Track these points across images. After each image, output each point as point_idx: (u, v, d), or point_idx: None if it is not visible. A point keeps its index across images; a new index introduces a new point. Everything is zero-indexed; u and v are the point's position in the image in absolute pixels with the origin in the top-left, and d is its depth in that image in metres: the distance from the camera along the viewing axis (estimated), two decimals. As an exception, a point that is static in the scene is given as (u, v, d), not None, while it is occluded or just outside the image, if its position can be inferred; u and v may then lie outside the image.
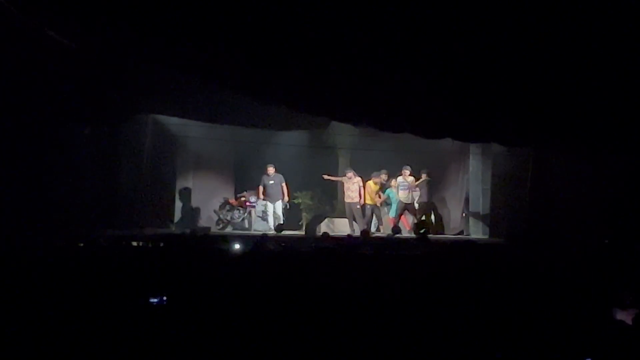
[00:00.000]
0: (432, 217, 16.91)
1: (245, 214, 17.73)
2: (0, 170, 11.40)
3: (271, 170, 16.91)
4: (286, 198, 17.09)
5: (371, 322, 4.88)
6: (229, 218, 17.71)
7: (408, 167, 16.62)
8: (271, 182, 16.84)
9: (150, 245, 10.52)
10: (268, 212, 17.07)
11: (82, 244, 9.73)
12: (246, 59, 9.98)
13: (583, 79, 9.26)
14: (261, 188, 17.04)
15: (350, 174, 16.74)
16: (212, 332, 4.74)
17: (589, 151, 12.21)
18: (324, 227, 16.36)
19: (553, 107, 10.12)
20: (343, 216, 17.32)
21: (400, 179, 16.63)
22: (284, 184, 16.91)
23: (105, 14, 9.15)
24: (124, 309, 5.15)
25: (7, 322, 4.74)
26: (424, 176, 16.82)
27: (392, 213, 17.05)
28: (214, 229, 16.67)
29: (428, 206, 16.99)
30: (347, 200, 16.79)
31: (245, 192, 17.55)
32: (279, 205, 16.89)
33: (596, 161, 12.47)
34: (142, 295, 5.45)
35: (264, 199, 17.09)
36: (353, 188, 16.62)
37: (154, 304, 5.33)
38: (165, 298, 5.36)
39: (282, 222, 16.55)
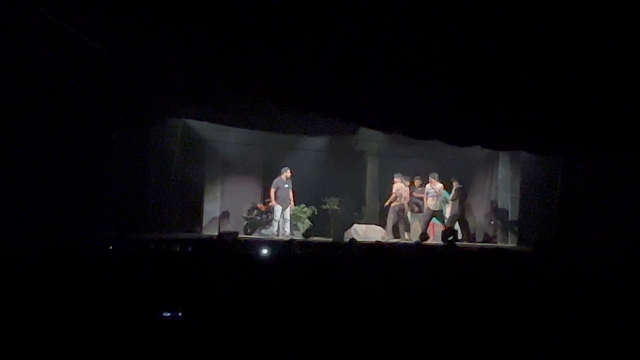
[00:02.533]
0: (457, 225, 16.72)
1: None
2: (29, 172, 11.52)
3: (289, 174, 16.91)
4: (293, 204, 17.15)
5: (395, 329, 4.87)
6: (257, 223, 17.73)
7: (435, 174, 16.55)
8: (286, 185, 16.84)
9: (178, 249, 10.60)
10: (276, 217, 16.89)
11: (111, 247, 9.83)
12: (276, 65, 10.02)
13: (613, 88, 9.19)
14: (273, 191, 16.86)
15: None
16: (238, 339, 4.76)
17: (618, 159, 12.09)
18: (351, 233, 16.33)
19: (583, 115, 10.05)
20: (370, 222, 17.33)
21: (428, 186, 16.58)
22: (290, 189, 16.93)
23: (136, 19, 9.25)
24: (147, 318, 5.18)
25: (28, 326, 4.78)
26: (455, 184, 16.69)
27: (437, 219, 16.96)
28: (242, 234, 16.69)
29: (459, 215, 16.86)
30: None
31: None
32: (288, 211, 16.95)
33: (626, 169, 12.33)
34: (165, 304, 5.45)
35: (276, 203, 16.87)
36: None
37: (168, 318, 5.30)
38: (180, 313, 5.33)
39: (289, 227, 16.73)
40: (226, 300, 5.76)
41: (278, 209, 16.78)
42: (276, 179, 16.92)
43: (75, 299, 5.43)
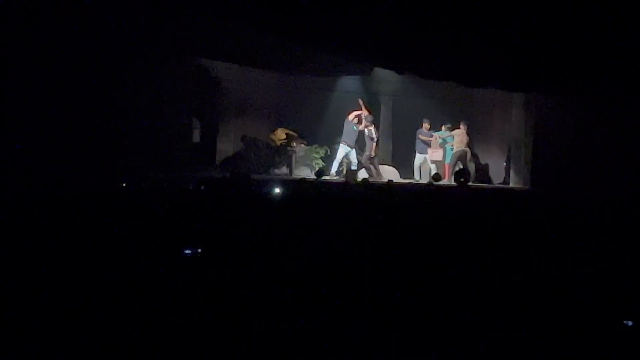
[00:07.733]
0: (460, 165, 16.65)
1: (286, 158, 17.77)
2: (49, 113, 11.57)
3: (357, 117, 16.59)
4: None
5: (407, 265, 4.93)
6: (270, 162, 17.77)
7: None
8: (354, 128, 16.50)
9: (191, 187, 10.69)
10: (338, 157, 16.69)
11: (124, 185, 9.92)
12: (292, 4, 9.95)
13: (629, 31, 9.10)
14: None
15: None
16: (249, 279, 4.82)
17: (633, 104, 12.02)
18: (364, 174, 16.36)
19: (598, 58, 9.96)
20: (383, 163, 17.37)
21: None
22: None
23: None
24: (161, 257, 5.25)
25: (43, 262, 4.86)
26: (462, 127, 16.57)
27: (448, 160, 16.90)
28: (255, 173, 16.74)
29: (464, 155, 16.78)
30: None
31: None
32: (354, 154, 16.78)
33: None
34: (180, 242, 5.52)
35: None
36: None
37: (188, 255, 5.38)
38: (199, 250, 5.40)
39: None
40: (240, 237, 5.84)
41: (343, 149, 16.58)
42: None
43: (94, 238, 5.51)
